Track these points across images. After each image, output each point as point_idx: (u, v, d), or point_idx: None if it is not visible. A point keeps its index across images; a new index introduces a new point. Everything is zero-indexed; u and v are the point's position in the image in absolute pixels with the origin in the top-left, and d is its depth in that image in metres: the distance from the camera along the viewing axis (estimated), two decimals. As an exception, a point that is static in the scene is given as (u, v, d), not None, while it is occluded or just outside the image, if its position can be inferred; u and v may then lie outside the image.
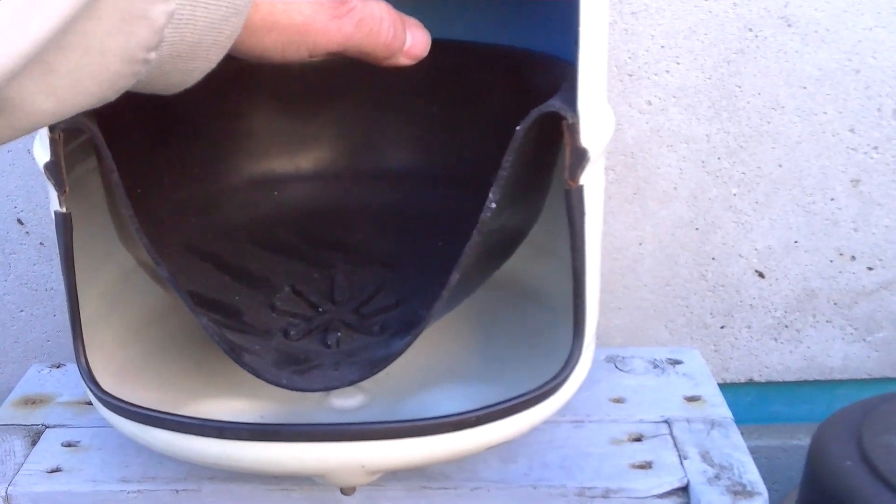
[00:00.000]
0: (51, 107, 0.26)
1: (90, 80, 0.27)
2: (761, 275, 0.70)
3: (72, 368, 0.62)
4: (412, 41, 0.40)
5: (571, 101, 0.40)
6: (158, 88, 0.32)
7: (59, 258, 0.71)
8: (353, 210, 0.58)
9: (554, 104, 0.40)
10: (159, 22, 0.28)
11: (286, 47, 0.35)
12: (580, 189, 0.40)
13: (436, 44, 0.56)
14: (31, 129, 0.27)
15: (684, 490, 0.47)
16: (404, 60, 0.40)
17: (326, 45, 0.36)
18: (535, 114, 0.39)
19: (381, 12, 0.38)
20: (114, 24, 0.26)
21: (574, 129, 0.40)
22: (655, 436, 0.50)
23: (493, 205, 0.40)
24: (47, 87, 0.25)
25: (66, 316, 0.71)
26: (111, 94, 0.28)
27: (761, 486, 0.47)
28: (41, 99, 0.26)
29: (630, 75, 0.65)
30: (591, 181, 0.41)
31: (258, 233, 0.56)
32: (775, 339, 0.72)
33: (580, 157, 0.40)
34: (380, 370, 0.43)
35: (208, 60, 0.32)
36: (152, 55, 0.28)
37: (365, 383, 0.46)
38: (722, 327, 0.72)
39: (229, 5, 0.31)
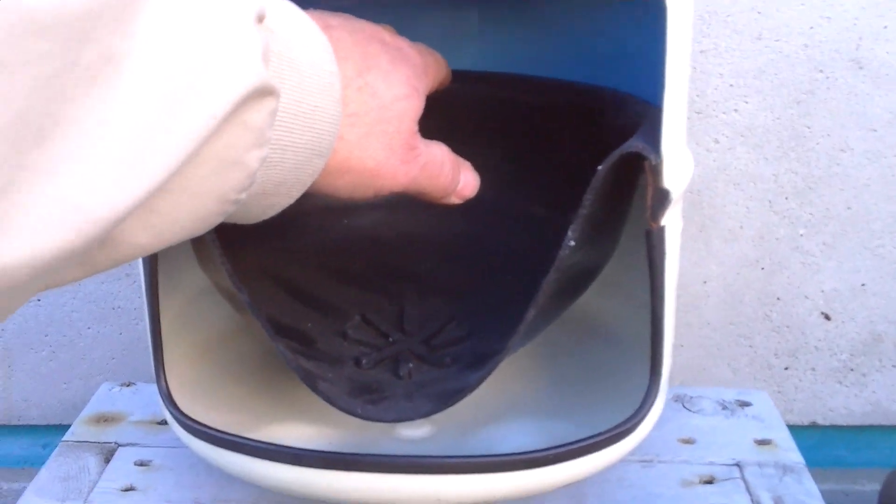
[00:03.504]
0: (147, 241, 0.27)
1: (186, 218, 0.28)
2: (827, 317, 0.69)
3: (142, 387, 0.63)
4: (464, 182, 0.42)
5: (654, 141, 0.40)
6: (237, 220, 0.33)
7: (126, 277, 0.73)
8: (422, 240, 0.59)
9: (637, 145, 0.40)
10: (253, 167, 0.29)
11: (356, 188, 0.37)
12: (661, 230, 0.41)
13: (511, 78, 0.57)
14: (127, 261, 0.28)
15: (758, 536, 0.47)
16: (455, 200, 0.42)
17: (392, 187, 0.38)
18: (616, 154, 0.40)
19: (443, 156, 0.40)
20: (212, 168, 0.27)
21: (657, 171, 0.40)
22: (727, 479, 0.50)
23: (572, 243, 0.40)
24: (146, 225, 0.27)
25: (132, 335, 0.73)
26: (202, 230, 0.30)
27: (835, 534, 0.46)
28: (140, 235, 0.27)
29: (698, 113, 0.66)
30: (671, 223, 0.41)
31: (328, 259, 0.57)
32: (840, 382, 0.71)
33: (662, 198, 0.40)
34: (453, 403, 0.43)
35: (289, 197, 0.34)
36: (243, 195, 0.29)
37: (432, 414, 0.47)
38: (786, 368, 0.71)
39: (314, 148, 0.32)
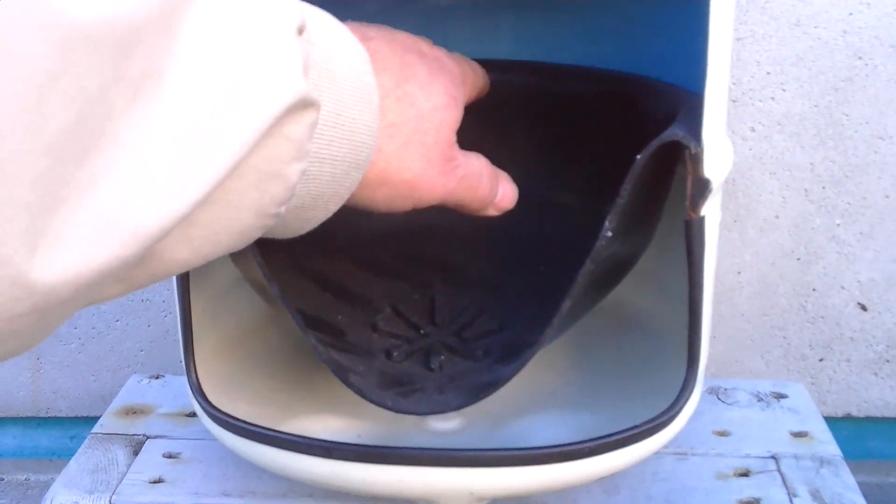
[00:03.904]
0: (187, 257, 0.27)
1: (225, 232, 0.28)
2: (864, 307, 0.68)
3: (170, 379, 0.63)
4: (502, 194, 0.42)
5: (694, 130, 0.39)
6: (276, 234, 0.33)
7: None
8: (453, 231, 0.58)
9: (676, 133, 0.39)
10: (293, 179, 0.28)
11: (394, 200, 0.37)
12: (701, 220, 0.40)
13: (542, 66, 0.57)
14: (167, 277, 0.28)
15: (794, 530, 0.46)
16: (492, 212, 0.42)
17: (430, 199, 0.38)
18: (656, 143, 0.39)
19: (481, 168, 0.40)
20: (252, 180, 0.27)
21: (697, 160, 0.39)
22: (762, 472, 0.49)
23: (609, 233, 0.39)
24: (186, 239, 0.26)
25: (161, 327, 0.73)
26: (240, 245, 0.29)
27: (875, 530, 0.45)
28: (180, 249, 0.26)
29: (734, 101, 0.64)
30: (710, 213, 0.41)
31: (358, 252, 0.56)
32: (876, 374, 0.70)
33: (703, 187, 0.39)
34: (485, 396, 0.42)
35: (327, 210, 0.33)
36: (282, 209, 0.29)
37: (463, 406, 0.46)
38: (821, 360, 0.70)
39: (352, 161, 0.32)
